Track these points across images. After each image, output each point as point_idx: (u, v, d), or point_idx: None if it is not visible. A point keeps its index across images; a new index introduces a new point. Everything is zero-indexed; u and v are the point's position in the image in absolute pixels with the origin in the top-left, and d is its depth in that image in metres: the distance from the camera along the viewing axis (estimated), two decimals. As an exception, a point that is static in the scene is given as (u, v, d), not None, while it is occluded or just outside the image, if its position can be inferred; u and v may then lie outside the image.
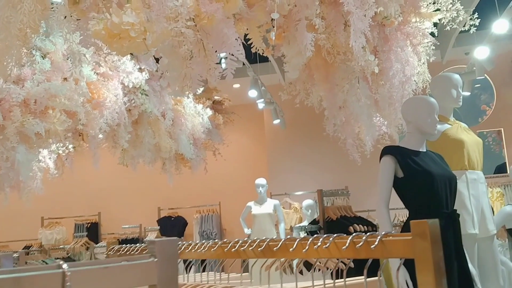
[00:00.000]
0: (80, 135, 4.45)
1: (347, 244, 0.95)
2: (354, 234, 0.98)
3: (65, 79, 3.61)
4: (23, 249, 7.30)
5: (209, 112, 5.27)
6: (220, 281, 1.99)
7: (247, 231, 6.95)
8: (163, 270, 0.78)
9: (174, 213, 8.97)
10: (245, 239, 1.38)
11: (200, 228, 8.74)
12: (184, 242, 1.45)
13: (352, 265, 2.62)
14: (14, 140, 3.72)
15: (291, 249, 1.07)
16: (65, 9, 1.93)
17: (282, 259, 2.51)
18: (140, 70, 3.94)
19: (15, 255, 3.83)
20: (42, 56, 3.52)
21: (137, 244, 1.96)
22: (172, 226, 8.71)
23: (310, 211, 6.49)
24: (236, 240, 1.27)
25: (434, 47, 3.38)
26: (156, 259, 0.78)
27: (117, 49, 1.97)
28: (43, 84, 3.57)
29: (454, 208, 2.52)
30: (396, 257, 0.93)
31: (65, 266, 0.69)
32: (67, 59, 3.61)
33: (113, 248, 1.77)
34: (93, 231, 8.64)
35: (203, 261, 4.28)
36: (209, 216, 8.82)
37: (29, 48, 3.76)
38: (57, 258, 6.40)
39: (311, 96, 3.72)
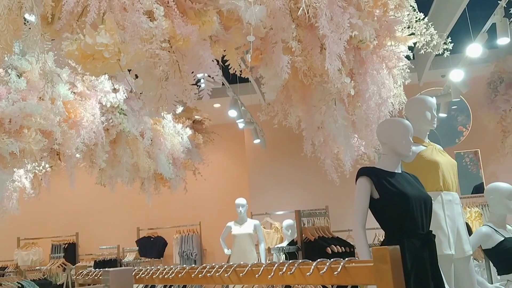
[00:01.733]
0: (57, 154, 4.40)
1: (311, 271, 0.94)
2: (318, 260, 0.98)
3: (41, 98, 3.57)
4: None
5: (189, 131, 5.27)
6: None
7: (227, 251, 6.89)
8: None
9: (154, 233, 8.86)
10: (221, 263, 1.37)
11: (180, 249, 8.63)
12: (147, 267, 1.43)
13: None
14: (-12, 159, 3.66)
15: (256, 275, 1.06)
16: (38, 29, 1.92)
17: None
18: (115, 90, 3.93)
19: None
20: (17, 75, 3.48)
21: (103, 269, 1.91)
22: (152, 246, 8.59)
23: (290, 231, 6.47)
24: (203, 265, 1.26)
25: (409, 70, 3.44)
26: None
27: (91, 69, 1.96)
28: (18, 103, 3.52)
29: (430, 229, 2.54)
30: (359, 283, 0.93)
31: None
32: (43, 79, 3.58)
33: (82, 272, 1.73)
34: (70, 252, 8.46)
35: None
36: (189, 236, 8.73)
37: (4, 67, 3.72)
38: (33, 280, 6.25)
39: (289, 116, 3.74)
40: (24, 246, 8.52)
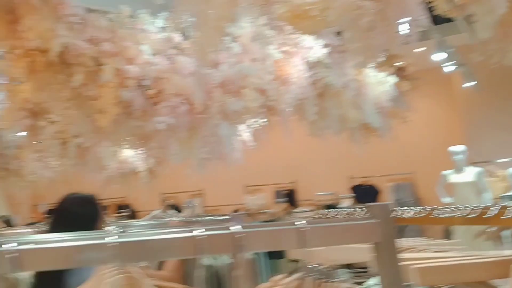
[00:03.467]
0: (271, 110, 4.84)
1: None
2: None
3: (254, 60, 3.97)
4: (233, 212, 8.25)
5: (393, 79, 5.16)
6: (430, 246, 2.00)
7: (447, 200, 6.63)
8: (385, 230, 0.89)
9: (365, 181, 9.03)
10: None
11: (395, 197, 8.65)
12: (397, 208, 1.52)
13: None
14: (217, 118, 4.27)
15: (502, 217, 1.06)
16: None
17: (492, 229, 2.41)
18: (321, 46, 4.09)
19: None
20: (232, 41, 3.93)
21: (340, 209, 2.10)
22: (365, 194, 8.80)
23: (517, 179, 5.88)
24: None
25: None
26: (378, 220, 0.89)
27: (302, 28, 2.15)
28: (236, 66, 4.00)
29: None
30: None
31: (302, 223, 0.84)
32: (254, 41, 3.96)
33: (317, 212, 1.96)
34: (290, 198, 9.28)
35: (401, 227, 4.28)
36: (403, 184, 8.66)
37: (225, 36, 4.23)
38: (264, 221, 7.10)
39: (508, 55, 3.38)
40: (251, 191, 9.65)
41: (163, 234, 0.74)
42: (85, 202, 2.17)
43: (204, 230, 0.72)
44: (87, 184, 5.09)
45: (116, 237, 0.71)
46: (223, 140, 4.76)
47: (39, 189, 7.88)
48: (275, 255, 5.32)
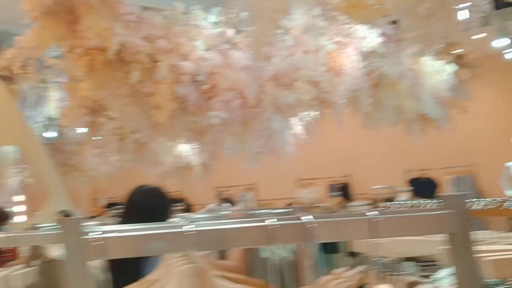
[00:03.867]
0: (324, 102, 4.78)
1: None
2: None
3: (306, 51, 3.94)
4: (286, 206, 8.24)
5: (452, 67, 4.97)
6: (500, 239, 1.92)
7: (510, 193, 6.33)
8: (460, 220, 0.87)
9: (424, 174, 8.77)
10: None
11: (455, 190, 8.35)
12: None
13: None
14: (270, 111, 4.27)
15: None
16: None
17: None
18: (376, 35, 4.00)
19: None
20: (284, 33, 3.90)
21: (402, 202, 2.05)
22: (423, 187, 8.54)
23: None
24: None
25: None
26: (453, 211, 0.87)
27: (358, 18, 2.11)
28: (288, 58, 3.98)
29: None
30: None
31: (374, 213, 0.83)
32: (307, 33, 3.92)
33: (376, 205, 1.93)
34: (344, 192, 9.17)
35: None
36: (463, 177, 8.35)
37: (278, 29, 4.21)
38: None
39: None
40: (304, 185, 9.61)
41: (236, 224, 0.74)
42: (154, 194, 2.23)
43: (276, 219, 0.72)
44: (144, 178, 5.23)
45: (194, 226, 0.72)
46: (276, 134, 4.76)
47: (99, 184, 8.20)
48: (331, 249, 5.27)
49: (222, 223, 0.77)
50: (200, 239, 0.73)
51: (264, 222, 0.73)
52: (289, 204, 8.84)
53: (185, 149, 6.68)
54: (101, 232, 0.71)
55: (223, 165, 6.83)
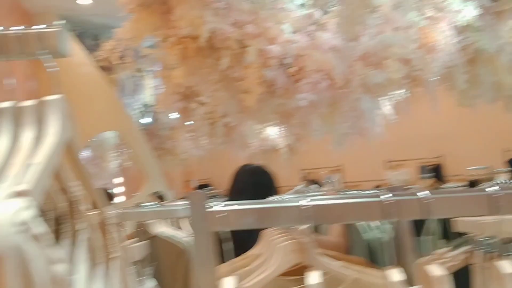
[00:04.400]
0: (415, 81, 4.61)
1: None
2: None
3: (396, 28, 3.82)
4: (375, 188, 8.09)
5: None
6: None
7: None
8: None
9: (524, 155, 8.20)
10: None
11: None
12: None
13: None
14: (358, 91, 4.21)
15: None
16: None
17: None
18: (471, 8, 3.78)
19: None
20: (373, 11, 3.81)
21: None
22: (523, 168, 7.99)
23: None
24: None
25: None
26: None
27: None
28: (377, 37, 3.88)
29: None
30: None
31: (494, 188, 0.81)
32: (396, 10, 3.80)
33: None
34: (437, 173, 8.82)
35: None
36: None
37: (369, 7, 4.11)
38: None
39: None
40: (392, 167, 9.36)
41: (350, 199, 0.78)
42: (261, 172, 2.32)
43: (391, 195, 0.74)
44: (232, 161, 5.39)
45: (309, 200, 0.76)
46: (365, 115, 4.68)
47: (190, 166, 8.57)
48: (425, 231, 5.12)
49: (336, 198, 0.80)
50: (316, 213, 0.77)
51: (379, 197, 0.75)
52: (377, 187, 8.68)
53: (272, 132, 6.78)
54: (224, 205, 0.77)
55: (308, 147, 6.85)
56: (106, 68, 5.92)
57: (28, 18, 6.02)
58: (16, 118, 0.72)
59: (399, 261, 1.21)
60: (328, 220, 0.85)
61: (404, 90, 5.01)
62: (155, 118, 7.11)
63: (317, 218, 0.75)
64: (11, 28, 0.76)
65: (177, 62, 4.23)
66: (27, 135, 0.69)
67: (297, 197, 0.82)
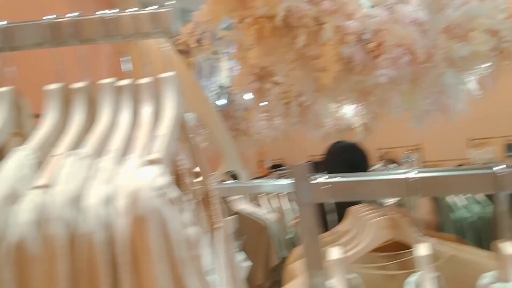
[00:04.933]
0: (502, 53, 4.34)
1: None
2: None
3: (484, -2, 3.60)
4: (457, 167, 7.75)
5: None
6: None
7: None
8: None
9: None
10: None
11: None
12: None
13: None
14: (442, 66, 4.02)
15: None
16: None
17: None
18: None
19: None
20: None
21: None
22: None
23: None
24: None
25: None
26: None
27: None
28: (462, 7, 3.68)
29: None
30: None
31: None
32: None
33: None
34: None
35: None
36: None
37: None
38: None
39: None
40: (476, 145, 8.92)
41: (458, 171, 0.76)
42: (355, 149, 2.32)
43: (505, 166, 0.71)
44: (306, 140, 5.37)
45: (416, 172, 0.76)
46: (448, 90, 4.48)
47: (264, 146, 8.66)
48: None
49: (442, 171, 0.79)
50: (424, 185, 0.76)
51: (492, 169, 0.73)
52: (460, 165, 8.31)
53: (347, 111, 6.66)
54: (327, 177, 0.79)
55: (385, 126, 6.67)
56: (184, 52, 6.07)
57: (108, 3, 6.28)
58: (135, 94, 0.78)
59: (494, 239, 1.17)
60: (436, 192, 0.84)
61: (490, 64, 4.73)
62: (230, 99, 7.22)
63: (425, 190, 0.74)
64: (126, 10, 0.82)
65: (253, 42, 4.26)
66: (146, 110, 0.75)
67: (399, 170, 0.82)
